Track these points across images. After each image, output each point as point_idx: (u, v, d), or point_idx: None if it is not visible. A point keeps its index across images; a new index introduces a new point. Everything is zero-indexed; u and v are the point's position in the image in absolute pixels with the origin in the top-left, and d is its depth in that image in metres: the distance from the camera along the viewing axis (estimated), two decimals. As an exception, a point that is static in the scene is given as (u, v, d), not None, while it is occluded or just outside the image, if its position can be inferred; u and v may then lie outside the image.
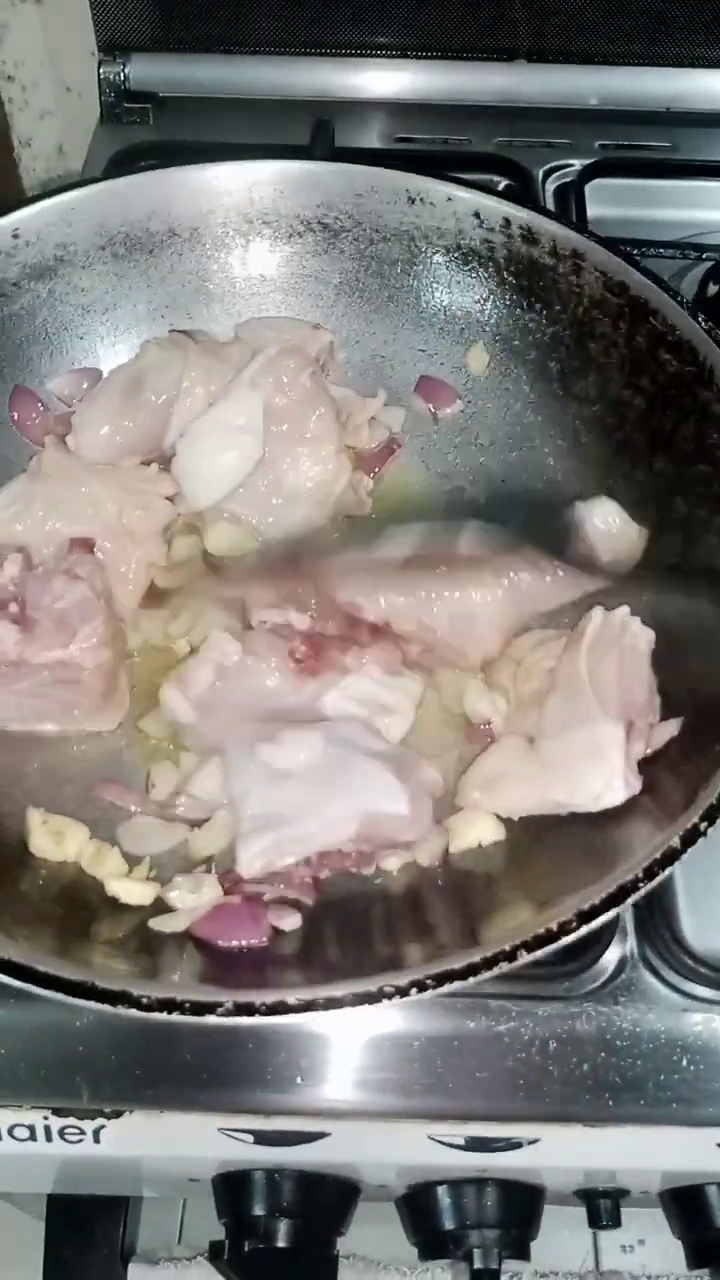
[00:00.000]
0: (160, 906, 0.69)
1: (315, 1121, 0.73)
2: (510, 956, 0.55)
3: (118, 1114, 0.73)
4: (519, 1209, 0.79)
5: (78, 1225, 0.91)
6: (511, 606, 0.75)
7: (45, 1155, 0.75)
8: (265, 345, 0.85)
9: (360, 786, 0.69)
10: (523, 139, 1.23)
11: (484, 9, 1.23)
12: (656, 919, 0.75)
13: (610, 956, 0.75)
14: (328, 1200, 0.79)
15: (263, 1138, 0.74)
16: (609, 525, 0.79)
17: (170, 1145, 0.75)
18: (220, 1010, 0.54)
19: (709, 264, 1.09)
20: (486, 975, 0.55)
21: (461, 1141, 0.74)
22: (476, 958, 0.55)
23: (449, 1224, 0.78)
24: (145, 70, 1.22)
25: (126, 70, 1.21)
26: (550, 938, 0.56)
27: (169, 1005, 0.54)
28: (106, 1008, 0.55)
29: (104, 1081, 0.71)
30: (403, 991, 0.54)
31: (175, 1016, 0.54)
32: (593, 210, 1.15)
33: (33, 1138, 0.74)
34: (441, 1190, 0.78)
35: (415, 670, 0.77)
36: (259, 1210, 0.77)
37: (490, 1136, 0.74)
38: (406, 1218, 0.81)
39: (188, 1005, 0.54)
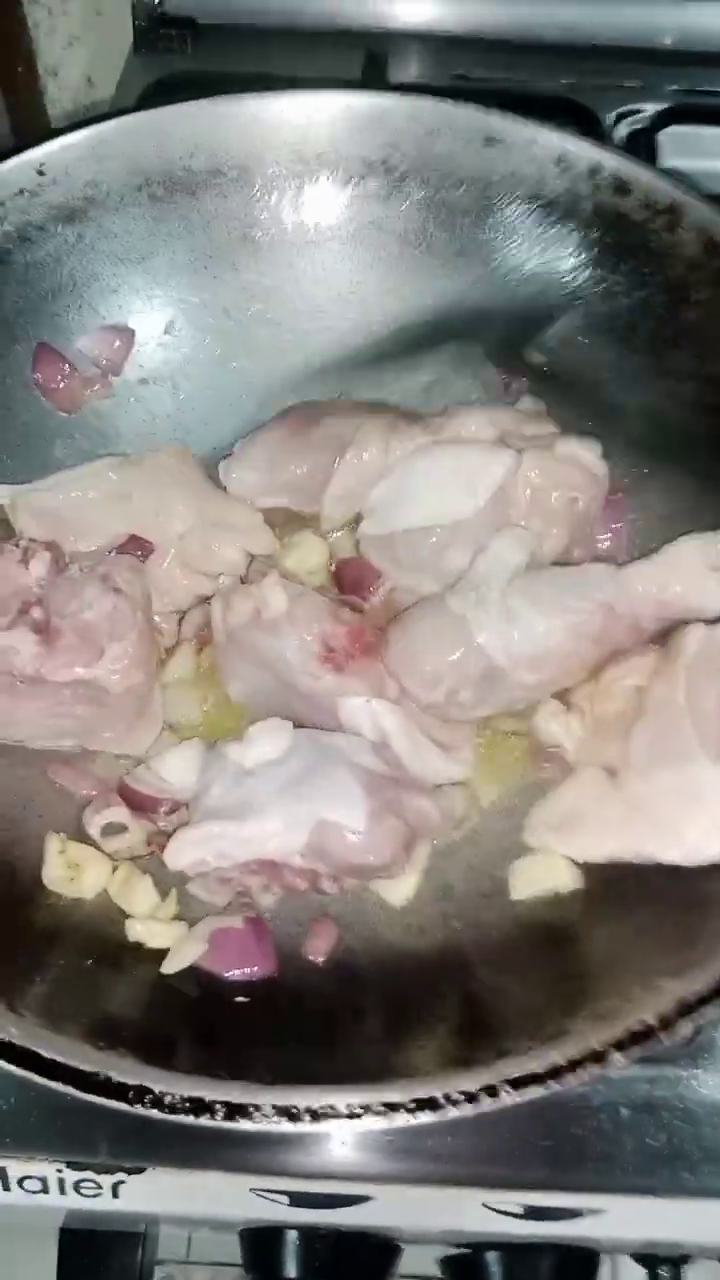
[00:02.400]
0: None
1: (358, 1186, 0.65)
2: (600, 1058, 0.47)
3: (139, 1170, 0.65)
4: (575, 1277, 0.72)
5: (92, 1256, 0.84)
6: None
7: (56, 1208, 0.67)
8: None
9: (321, 794, 0.61)
10: (590, 80, 1.13)
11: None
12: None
13: (693, 1012, 0.66)
14: (365, 1261, 0.71)
15: (299, 1199, 0.66)
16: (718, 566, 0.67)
17: (196, 1203, 0.68)
18: (258, 1115, 0.45)
19: None
20: (572, 1080, 0.47)
21: (519, 1210, 0.67)
22: (560, 1059, 0.47)
23: (497, 1292, 0.71)
24: (183, -6, 1.11)
25: (163, -7, 1.10)
26: (647, 1034, 0.48)
27: (197, 1107, 0.45)
28: (123, 1106, 0.46)
29: (127, 1135, 0.63)
30: (472, 1099, 0.46)
31: (204, 1120, 0.45)
32: (665, 161, 1.06)
33: (44, 1190, 0.66)
34: (491, 1257, 0.71)
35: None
36: (292, 1273, 0.69)
37: (551, 1206, 0.66)
38: (451, 1282, 0.74)
39: (219, 1107, 0.45)
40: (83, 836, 0.65)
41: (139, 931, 0.61)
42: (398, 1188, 0.65)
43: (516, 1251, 0.71)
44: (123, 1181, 0.66)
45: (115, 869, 0.64)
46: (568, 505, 0.70)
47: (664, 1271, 0.75)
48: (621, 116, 1.12)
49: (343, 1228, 0.69)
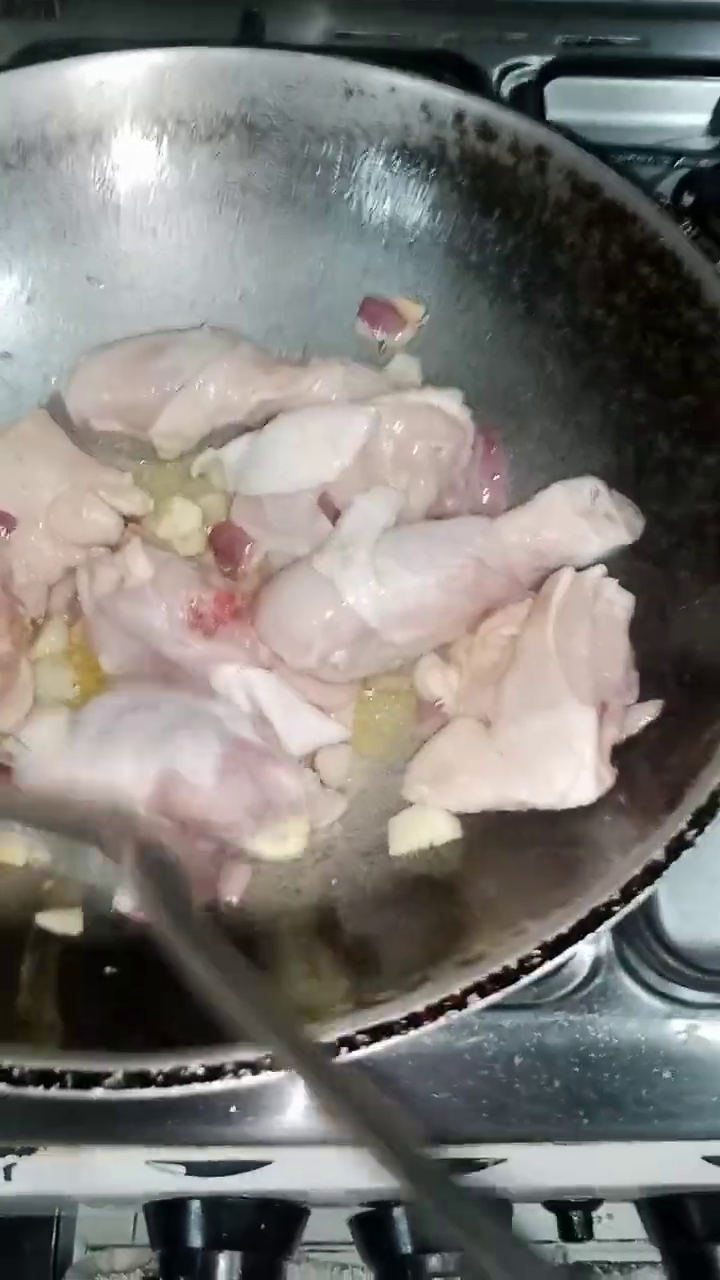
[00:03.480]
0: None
1: (255, 1151, 0.65)
2: (460, 1003, 0.47)
3: (30, 1150, 0.64)
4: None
5: (2, 1244, 0.84)
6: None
7: (-51, 1194, 0.66)
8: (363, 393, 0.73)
9: (177, 747, 0.60)
10: (475, 33, 1.11)
11: None
12: (634, 912, 0.67)
13: (583, 957, 0.67)
14: (271, 1227, 0.71)
15: (196, 1169, 0.66)
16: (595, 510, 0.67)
17: (93, 1181, 0.66)
18: (109, 1082, 0.44)
19: (683, 171, 0.99)
20: (431, 1026, 0.46)
21: (420, 1165, 0.66)
22: (420, 1005, 0.47)
23: (407, 1248, 0.71)
24: (49, -48, 1.08)
25: (27, -48, 1.07)
26: (509, 977, 0.48)
27: (46, 1078, 0.45)
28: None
29: (10, 1116, 0.62)
30: (330, 1050, 0.45)
31: (55, 1091, 0.45)
32: (553, 113, 1.03)
33: (-67, 1176, 0.65)
34: (398, 1213, 0.71)
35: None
36: (195, 1243, 0.69)
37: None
38: (360, 1242, 0.74)
39: (69, 1076, 0.45)
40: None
41: (52, 921, 0.60)
42: (293, 1150, 0.64)
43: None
44: (14, 1165, 0.65)
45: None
46: (431, 455, 0.69)
47: (575, 1216, 0.75)
48: (508, 70, 1.11)
49: (245, 1194, 0.69)
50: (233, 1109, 0.63)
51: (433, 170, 0.78)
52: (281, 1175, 0.66)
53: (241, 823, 0.60)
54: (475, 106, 0.76)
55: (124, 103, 0.77)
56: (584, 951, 0.67)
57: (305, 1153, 0.64)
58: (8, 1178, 0.65)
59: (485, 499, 0.75)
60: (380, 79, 0.76)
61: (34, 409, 0.75)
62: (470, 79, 1.06)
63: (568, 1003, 0.66)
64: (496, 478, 0.76)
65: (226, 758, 0.59)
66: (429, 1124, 0.63)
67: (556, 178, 0.74)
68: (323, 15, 1.13)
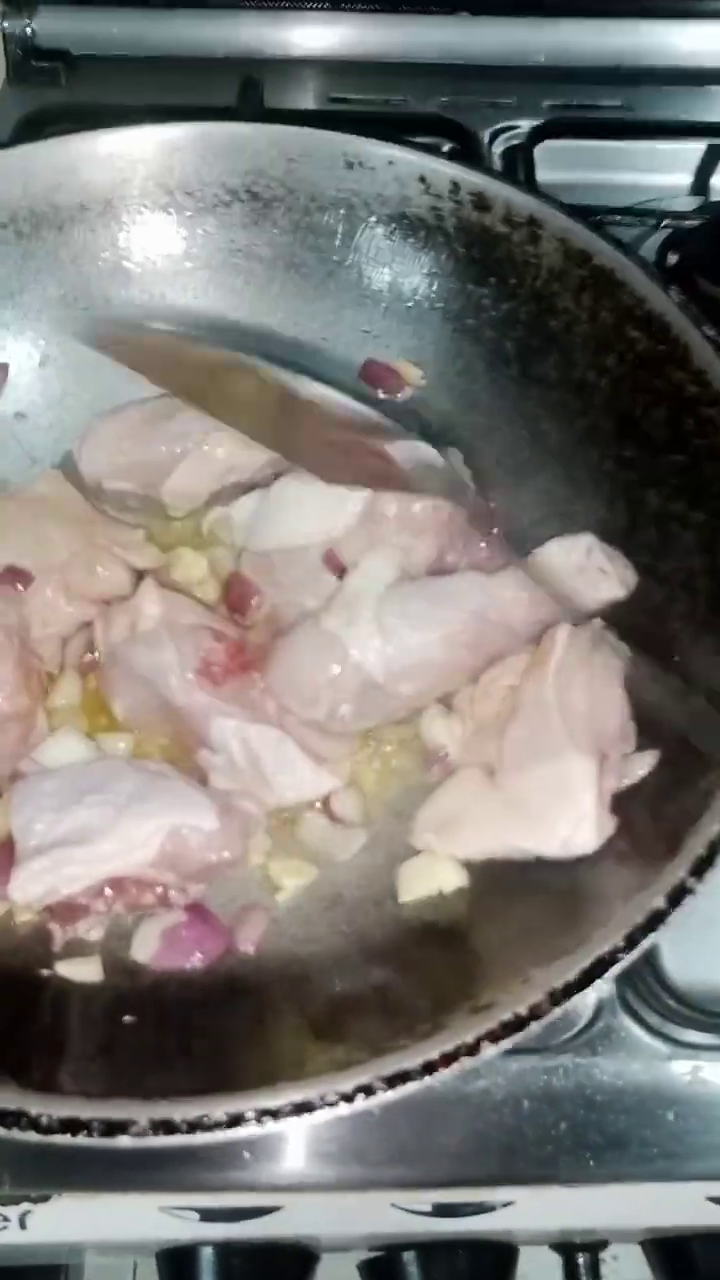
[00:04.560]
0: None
1: (267, 1196, 0.66)
2: (474, 1050, 0.48)
3: (45, 1198, 0.65)
4: (491, 1273, 0.73)
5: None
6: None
7: (-35, 1243, 0.67)
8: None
9: (165, 803, 0.63)
10: (466, 98, 1.15)
11: (421, -44, 1.15)
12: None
13: (586, 1001, 0.68)
14: (282, 1272, 0.72)
15: (210, 1214, 0.67)
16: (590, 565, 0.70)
17: (107, 1228, 0.68)
18: (134, 1130, 0.46)
19: (667, 231, 1.02)
20: (446, 1074, 0.48)
21: (428, 1208, 0.68)
22: (435, 1053, 0.48)
23: (417, 1293, 0.72)
24: (54, 25, 1.12)
25: (32, 24, 1.11)
26: (520, 1024, 0.49)
27: (74, 1126, 0.46)
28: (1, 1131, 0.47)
29: (25, 1165, 0.63)
30: (348, 1098, 0.47)
31: (82, 1139, 0.46)
32: (542, 175, 1.08)
33: (-50, 1226, 0.66)
34: (408, 1256, 0.72)
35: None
36: (208, 1290, 0.70)
37: (460, 1202, 0.67)
38: (370, 1287, 0.75)
39: (96, 1125, 0.46)
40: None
41: (66, 970, 0.61)
42: (304, 1195, 0.65)
43: (432, 1250, 0.72)
44: (29, 1212, 0.66)
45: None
46: (433, 514, 0.71)
47: (581, 1258, 0.76)
48: (498, 133, 1.15)
49: (256, 1240, 0.70)
50: (246, 1154, 0.64)
51: (430, 239, 0.81)
52: (293, 1220, 0.67)
53: (243, 848, 0.63)
54: (471, 178, 0.79)
55: (133, 174, 0.81)
56: (587, 995, 0.68)
57: (317, 1198, 0.65)
58: (23, 1226, 0.66)
59: (483, 554, 0.78)
60: (380, 152, 0.80)
61: (48, 471, 0.78)
62: (463, 142, 1.11)
63: (572, 1046, 0.67)
64: (495, 532, 0.78)
65: (213, 798, 0.63)
66: (439, 1168, 0.64)
67: (549, 246, 0.77)
68: (318, 80, 1.18)
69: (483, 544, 0.77)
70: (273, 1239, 0.70)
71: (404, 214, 0.81)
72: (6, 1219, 0.66)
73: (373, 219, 0.81)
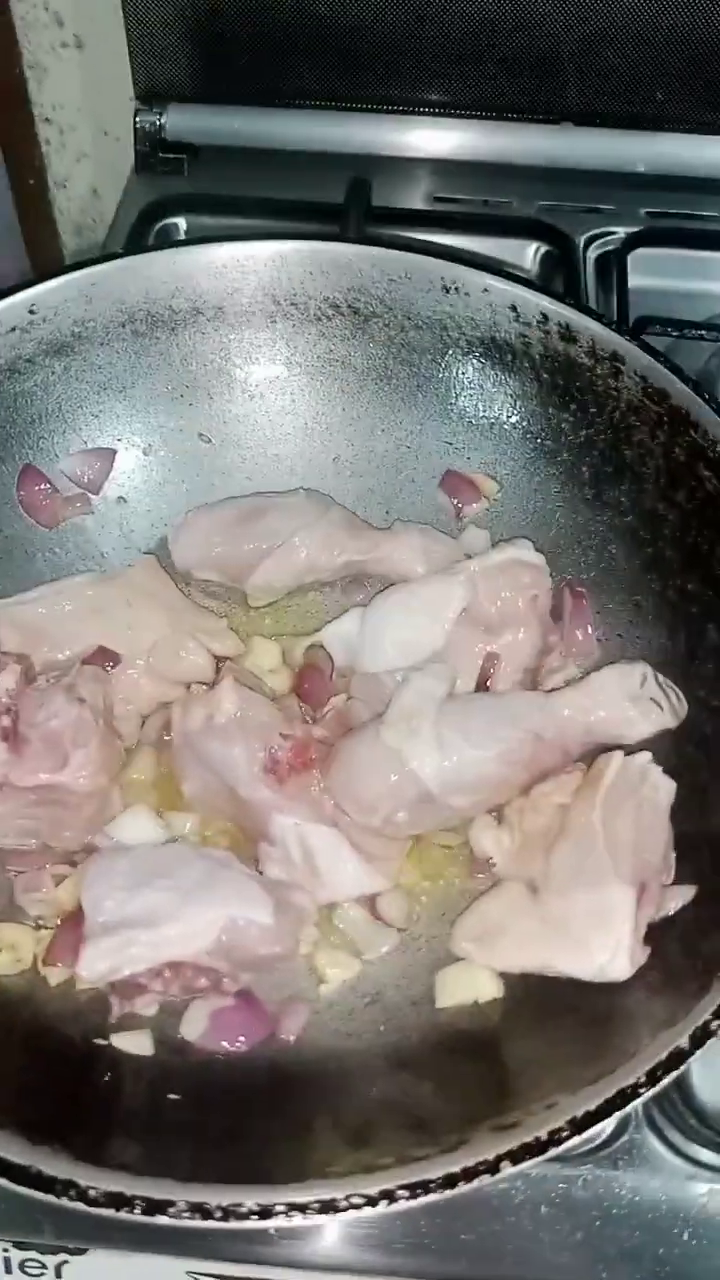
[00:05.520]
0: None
1: (291, 1274, 0.69)
2: (493, 1169, 0.51)
3: (81, 1251, 0.69)
4: None
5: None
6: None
7: (4, 1285, 0.71)
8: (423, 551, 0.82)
9: (225, 895, 0.67)
10: (566, 203, 1.20)
11: (530, 68, 1.19)
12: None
13: (611, 1114, 0.70)
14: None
15: (232, 1284, 0.70)
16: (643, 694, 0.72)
17: (135, 1285, 0.71)
18: (172, 1211, 0.50)
19: (757, 343, 1.05)
20: (465, 1188, 0.51)
21: (443, 1301, 0.70)
22: (457, 1167, 0.51)
23: None
24: (182, 120, 1.19)
25: (163, 120, 1.18)
26: (539, 1148, 0.52)
27: (118, 1201, 0.50)
28: (51, 1198, 0.51)
29: (66, 1217, 0.67)
30: (372, 1202, 0.51)
31: (124, 1214, 0.50)
32: (634, 280, 1.12)
33: (-8, 1268, 0.70)
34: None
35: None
36: None
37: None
38: None
39: (139, 1202, 0.50)
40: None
41: (120, 1042, 0.66)
42: (327, 1275, 0.68)
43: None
44: (66, 1262, 0.69)
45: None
46: (530, 604, 0.76)
47: None
48: (594, 239, 1.19)
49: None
50: (273, 1230, 0.67)
51: (517, 363, 0.85)
52: (312, 1298, 0.70)
53: (296, 943, 0.67)
54: (559, 311, 0.82)
55: (244, 284, 0.86)
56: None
57: (339, 1279, 0.68)
58: (58, 1275, 0.70)
59: (583, 641, 0.81)
60: (475, 280, 0.84)
61: (144, 557, 0.83)
62: (559, 245, 1.15)
63: (594, 1157, 0.69)
64: (589, 627, 0.81)
65: (270, 894, 0.66)
66: (456, 1264, 0.67)
67: (629, 382, 0.80)
68: (425, 179, 1.23)
69: (578, 632, 0.80)
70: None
71: (494, 338, 0.85)
72: (44, 1266, 0.70)
73: (463, 340, 0.86)
